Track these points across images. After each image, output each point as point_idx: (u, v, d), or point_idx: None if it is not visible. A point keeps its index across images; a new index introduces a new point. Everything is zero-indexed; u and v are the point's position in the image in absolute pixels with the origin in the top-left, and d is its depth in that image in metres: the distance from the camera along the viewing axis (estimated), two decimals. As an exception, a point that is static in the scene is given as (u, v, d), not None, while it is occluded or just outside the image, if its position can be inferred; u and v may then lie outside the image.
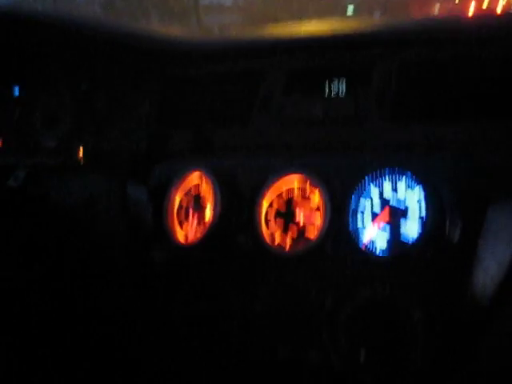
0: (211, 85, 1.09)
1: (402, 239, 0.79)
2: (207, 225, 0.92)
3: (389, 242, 0.80)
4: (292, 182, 0.90)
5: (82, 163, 1.19)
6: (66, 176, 1.20)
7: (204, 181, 0.95)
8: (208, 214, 0.93)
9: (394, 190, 0.83)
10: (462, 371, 0.81)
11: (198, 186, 0.96)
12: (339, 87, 0.97)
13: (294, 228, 0.88)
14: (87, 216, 1.16)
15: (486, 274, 0.79)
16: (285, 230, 0.88)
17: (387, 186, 0.83)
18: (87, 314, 1.21)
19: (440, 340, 0.81)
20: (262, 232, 0.89)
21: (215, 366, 0.97)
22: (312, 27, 1.13)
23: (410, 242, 0.78)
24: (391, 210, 0.82)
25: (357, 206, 0.84)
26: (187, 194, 0.97)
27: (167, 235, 0.96)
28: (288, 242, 0.88)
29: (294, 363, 0.89)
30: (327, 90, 0.97)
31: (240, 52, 1.08)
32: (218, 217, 0.90)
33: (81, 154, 1.20)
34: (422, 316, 0.81)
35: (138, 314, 1.07)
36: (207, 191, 0.94)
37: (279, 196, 0.90)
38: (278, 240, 0.88)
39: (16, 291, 1.21)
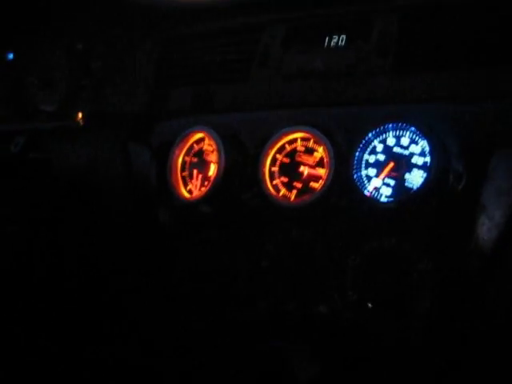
0: (210, 41, 1.07)
1: (406, 186, 0.80)
2: (211, 180, 0.92)
3: (393, 189, 0.81)
4: (295, 137, 0.90)
5: (81, 125, 1.19)
6: (66, 139, 1.20)
7: (207, 138, 0.95)
8: (212, 169, 0.93)
9: (398, 144, 0.83)
10: (468, 319, 0.82)
11: (200, 143, 0.96)
12: (339, 40, 0.96)
13: (299, 179, 0.88)
14: (90, 178, 1.16)
15: (490, 221, 0.80)
16: (289, 182, 0.89)
17: (391, 140, 0.83)
18: (93, 274, 1.22)
19: (446, 288, 0.82)
20: (266, 184, 0.89)
21: (223, 320, 0.98)
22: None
23: (414, 189, 0.79)
24: (395, 162, 0.82)
25: (361, 159, 0.84)
26: (190, 151, 0.97)
27: (171, 192, 0.96)
28: (293, 193, 0.88)
29: (303, 316, 0.91)
30: (327, 43, 0.96)
31: (239, 7, 1.06)
32: (223, 172, 0.91)
33: (80, 116, 1.19)
34: (428, 265, 0.82)
35: (145, 272, 1.09)
36: (210, 148, 0.95)
37: (283, 149, 0.90)
38: (282, 192, 0.89)
39: (20, 254, 1.22)
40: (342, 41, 0.96)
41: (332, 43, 0.96)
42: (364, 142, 0.83)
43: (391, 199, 0.80)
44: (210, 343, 1.07)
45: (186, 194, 0.95)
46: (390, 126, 0.83)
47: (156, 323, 1.14)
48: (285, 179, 0.89)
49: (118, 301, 1.23)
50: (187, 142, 0.97)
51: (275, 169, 0.90)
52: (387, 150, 0.83)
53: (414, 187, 0.79)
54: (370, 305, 0.84)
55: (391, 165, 0.82)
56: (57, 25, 1.22)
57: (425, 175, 0.79)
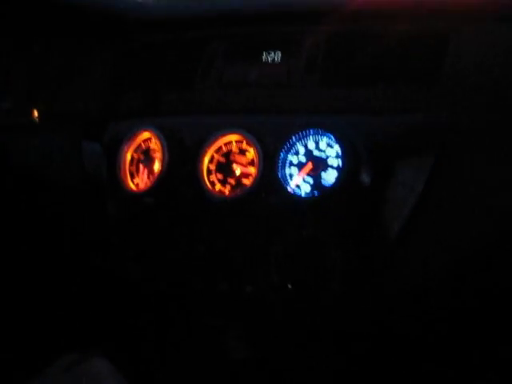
0: (161, 51, 1.19)
1: (322, 184, 0.94)
2: (155, 175, 1.04)
3: (312, 186, 0.95)
4: (230, 139, 1.03)
5: (37, 123, 1.28)
6: (21, 136, 1.29)
7: (153, 137, 1.06)
8: (157, 166, 1.05)
9: (317, 147, 0.97)
10: (373, 295, 0.97)
11: (147, 142, 1.08)
12: (274, 55, 1.09)
13: (232, 176, 1.01)
14: (45, 173, 1.26)
15: (393, 214, 0.95)
16: (224, 179, 1.01)
17: (311, 144, 0.97)
18: (49, 270, 1.31)
19: (355, 270, 0.97)
20: (204, 180, 1.01)
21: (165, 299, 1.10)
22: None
23: (328, 186, 0.93)
24: (314, 163, 0.96)
25: (285, 159, 0.98)
26: (138, 149, 1.09)
27: (120, 185, 1.07)
28: (227, 188, 1.01)
29: (233, 295, 1.04)
30: (263, 58, 1.09)
31: (187, 21, 1.19)
32: (166, 168, 1.03)
33: (35, 114, 1.29)
34: (340, 252, 0.96)
35: (97, 260, 1.19)
36: (156, 146, 1.06)
37: (219, 150, 1.03)
38: (218, 187, 1.01)
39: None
40: (277, 56, 1.09)
41: (268, 58, 1.09)
42: (288, 144, 0.97)
43: (309, 194, 0.94)
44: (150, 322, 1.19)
45: (133, 187, 1.07)
46: (311, 131, 0.96)
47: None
48: (220, 176, 1.02)
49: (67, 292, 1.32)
50: (135, 140, 1.09)
51: (212, 167, 1.03)
52: (307, 152, 0.97)
53: (329, 184, 0.93)
54: (290, 286, 0.98)
55: (310, 165, 0.96)
56: (16, 26, 1.29)
57: (337, 174, 0.93)
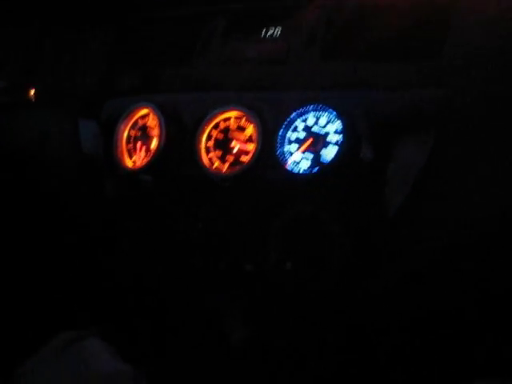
0: (158, 26, 1.17)
1: (322, 161, 0.92)
2: (152, 152, 1.02)
3: (311, 162, 0.93)
4: (229, 116, 1.01)
5: (33, 102, 1.26)
6: (18, 114, 1.27)
7: (151, 114, 1.05)
8: (154, 143, 1.03)
9: (317, 123, 0.95)
10: (371, 272, 0.96)
11: (145, 119, 1.06)
12: (274, 31, 1.07)
13: (230, 154, 0.99)
14: (41, 151, 1.24)
15: (393, 191, 0.93)
16: (222, 156, 1.00)
17: (311, 119, 0.95)
18: (45, 249, 1.30)
19: (354, 248, 0.95)
20: (201, 158, 1.00)
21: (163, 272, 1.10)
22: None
23: (327, 162, 0.91)
24: (314, 139, 0.94)
25: (284, 136, 0.96)
26: (135, 126, 1.07)
27: (117, 163, 1.06)
28: (225, 165, 0.99)
29: (231, 273, 1.02)
30: (262, 34, 1.07)
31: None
32: (163, 145, 1.01)
33: (32, 92, 1.27)
34: (339, 228, 0.95)
35: (94, 238, 1.18)
36: (153, 123, 1.04)
37: (217, 126, 1.01)
38: (216, 164, 1.00)
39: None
40: (275, 32, 1.07)
41: (268, 34, 1.07)
42: (288, 121, 0.95)
43: (308, 171, 0.92)
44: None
45: (130, 165, 1.05)
46: (311, 107, 0.94)
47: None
48: (218, 153, 1.00)
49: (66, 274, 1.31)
50: (132, 117, 1.07)
51: (210, 144, 1.01)
52: (307, 128, 0.95)
53: (328, 160, 0.91)
54: (289, 264, 0.96)
55: (310, 141, 0.94)
56: (12, 5, 1.28)
57: (337, 150, 0.91)
